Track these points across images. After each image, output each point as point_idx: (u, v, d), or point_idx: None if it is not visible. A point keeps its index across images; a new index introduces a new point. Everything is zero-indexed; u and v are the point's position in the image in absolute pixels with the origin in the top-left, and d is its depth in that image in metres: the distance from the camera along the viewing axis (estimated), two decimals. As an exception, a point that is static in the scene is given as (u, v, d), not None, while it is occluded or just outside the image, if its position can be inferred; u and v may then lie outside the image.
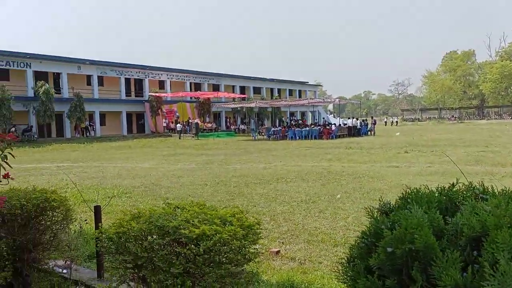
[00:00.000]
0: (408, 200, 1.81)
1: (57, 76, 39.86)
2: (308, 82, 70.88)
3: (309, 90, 70.29)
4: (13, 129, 30.55)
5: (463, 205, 1.69)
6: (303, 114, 64.46)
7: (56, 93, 36.54)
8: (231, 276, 2.47)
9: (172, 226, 2.39)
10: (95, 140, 34.14)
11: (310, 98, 59.36)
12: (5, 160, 2.81)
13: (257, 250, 2.64)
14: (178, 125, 38.40)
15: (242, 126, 48.28)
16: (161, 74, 47.13)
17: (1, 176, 2.83)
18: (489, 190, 1.82)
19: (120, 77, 43.40)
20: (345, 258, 1.82)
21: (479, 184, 1.89)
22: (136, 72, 44.90)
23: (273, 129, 37.54)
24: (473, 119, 78.52)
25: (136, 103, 44.48)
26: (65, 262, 3.93)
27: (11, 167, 2.81)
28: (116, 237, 2.55)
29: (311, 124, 42.70)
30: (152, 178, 11.97)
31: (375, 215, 1.81)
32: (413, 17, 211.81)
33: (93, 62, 40.91)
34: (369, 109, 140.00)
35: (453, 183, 1.90)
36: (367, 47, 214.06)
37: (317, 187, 9.67)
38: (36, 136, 34.11)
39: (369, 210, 1.85)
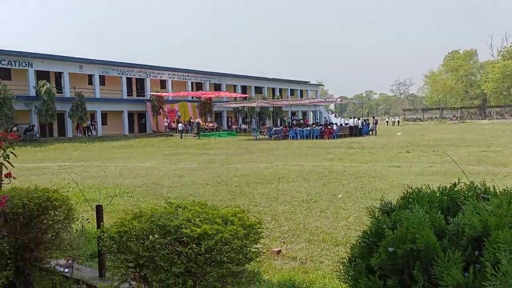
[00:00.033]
0: (410, 200, 1.81)
1: (58, 76, 39.92)
2: (309, 82, 70.83)
3: (310, 90, 70.24)
4: (15, 128, 30.61)
5: (464, 205, 1.69)
6: (304, 113, 64.44)
7: (57, 92, 36.57)
8: (233, 276, 2.47)
9: (174, 226, 2.39)
10: (96, 140, 34.18)
11: (312, 98, 59.38)
12: (7, 160, 2.82)
13: (258, 249, 2.64)
14: (180, 124, 38.43)
15: (243, 126, 48.28)
16: (163, 74, 47.15)
17: (3, 175, 2.84)
18: (490, 190, 1.81)
19: (121, 77, 43.43)
20: (347, 258, 1.82)
21: (480, 184, 1.89)
22: (138, 72, 44.93)
23: (274, 128, 37.53)
24: (474, 119, 78.38)
25: (138, 102, 44.53)
26: (67, 261, 3.93)
27: (13, 166, 2.82)
28: (117, 236, 2.55)
29: (313, 123, 42.67)
30: (154, 178, 11.98)
31: (376, 215, 1.81)
32: (415, 17, 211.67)
33: (94, 62, 40.95)
34: (370, 108, 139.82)
35: (454, 183, 1.90)
36: (368, 47, 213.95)
37: (318, 187, 9.66)
38: (38, 136, 34.15)
39: (370, 209, 1.85)
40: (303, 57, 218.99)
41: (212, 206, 2.82)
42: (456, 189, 1.86)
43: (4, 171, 2.82)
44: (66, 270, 3.92)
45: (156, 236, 2.44)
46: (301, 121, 48.41)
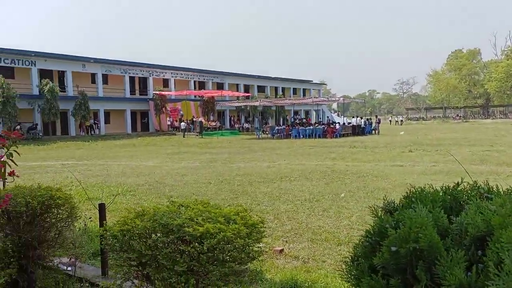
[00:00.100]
0: (413, 199, 1.80)
1: (61, 74, 40.02)
2: (312, 81, 70.78)
3: (313, 89, 70.16)
4: (18, 127, 30.72)
5: (467, 204, 1.69)
6: (307, 112, 64.39)
7: (60, 91, 36.69)
8: (235, 274, 2.47)
9: (176, 224, 2.39)
10: (99, 138, 34.26)
11: (314, 97, 59.26)
12: (11, 158, 2.83)
13: (261, 248, 2.64)
14: (182, 123, 38.48)
15: (246, 125, 48.28)
16: (166, 73, 47.20)
17: (7, 174, 2.85)
18: (494, 189, 1.81)
19: (124, 75, 43.50)
20: (349, 257, 1.81)
21: (484, 183, 1.88)
22: (141, 71, 45.00)
23: (277, 127, 37.54)
24: (478, 118, 78.15)
25: (141, 101, 44.59)
26: (70, 260, 3.94)
27: (17, 165, 2.83)
28: (120, 235, 2.56)
29: (315, 123, 42.63)
30: (156, 176, 12.00)
31: (379, 214, 1.80)
32: (418, 16, 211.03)
33: (97, 60, 41.02)
34: (373, 108, 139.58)
35: (457, 182, 1.89)
36: (371, 46, 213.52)
37: (321, 186, 9.66)
38: (41, 134, 34.27)
39: (373, 209, 1.85)
40: (305, 56, 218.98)
41: (214, 205, 2.82)
42: (459, 188, 1.86)
43: (8, 170, 2.83)
44: (69, 268, 3.93)
45: (158, 234, 2.44)
46: (304, 120, 48.35)
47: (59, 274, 3.81)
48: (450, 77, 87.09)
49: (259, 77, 58.26)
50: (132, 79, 45.57)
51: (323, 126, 35.75)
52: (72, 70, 39.07)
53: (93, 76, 41.70)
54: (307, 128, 35.04)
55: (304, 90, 66.98)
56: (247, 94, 51.65)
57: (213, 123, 42.91)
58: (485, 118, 76.39)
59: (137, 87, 47.24)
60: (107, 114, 42.09)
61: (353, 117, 46.84)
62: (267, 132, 38.15)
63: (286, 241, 5.55)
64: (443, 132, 34.55)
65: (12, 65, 35.39)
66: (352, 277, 1.73)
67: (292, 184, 10.11)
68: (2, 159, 2.84)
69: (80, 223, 4.96)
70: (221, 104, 46.48)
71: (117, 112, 42.86)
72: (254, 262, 2.65)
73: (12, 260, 3.47)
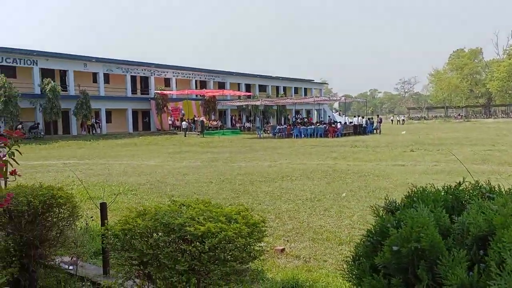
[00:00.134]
0: (414, 198, 1.80)
1: (63, 74, 40.07)
2: (313, 80, 70.76)
3: (314, 88, 70.13)
4: (20, 126, 30.77)
5: (469, 204, 1.68)
6: (308, 112, 64.36)
7: (62, 90, 36.74)
8: (236, 274, 2.48)
9: (178, 224, 2.39)
10: (101, 138, 34.31)
11: (316, 96, 59.24)
12: (12, 157, 2.83)
13: (262, 248, 2.64)
14: (184, 123, 38.49)
15: (247, 124, 48.26)
16: (167, 72, 47.22)
17: (8, 173, 2.85)
18: (495, 189, 1.81)
19: (126, 75, 43.54)
20: (350, 257, 1.81)
21: (485, 183, 1.88)
22: (142, 70, 45.03)
23: (278, 127, 37.52)
24: (479, 117, 78.00)
25: (142, 100, 44.62)
26: (71, 259, 3.95)
27: (18, 164, 2.83)
28: (122, 234, 2.56)
29: (317, 122, 42.60)
30: (158, 176, 12.00)
31: (380, 214, 1.80)
32: (420, 15, 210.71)
33: (99, 60, 41.06)
34: (375, 107, 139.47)
35: (459, 182, 1.89)
36: (373, 45, 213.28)
37: (322, 186, 9.65)
38: (42, 133, 34.32)
39: (374, 208, 1.85)
40: (305, 56, 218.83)
41: (216, 204, 2.82)
42: (461, 188, 1.86)
43: (9, 169, 2.83)
44: (71, 267, 3.94)
45: (160, 234, 2.44)
46: (305, 120, 48.35)
47: (60, 273, 3.82)
48: (452, 77, 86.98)
49: (260, 76, 58.24)
50: (133, 78, 45.61)
51: (324, 125, 35.74)
52: (74, 69, 39.12)
53: (94, 75, 41.73)
54: (308, 127, 35.02)
55: (305, 89, 66.95)
56: (249, 94, 51.61)
57: (215, 123, 42.92)
58: (487, 118, 76.25)
59: (138, 86, 47.26)
60: (108, 113, 42.14)
61: (354, 116, 46.83)
62: (268, 132, 38.15)
63: (287, 241, 5.55)
64: (445, 132, 34.51)
65: (14, 64, 35.45)
66: (354, 276, 1.73)
67: (294, 183, 10.11)
68: (3, 158, 2.84)
69: (82, 222, 4.97)
70: (223, 104, 46.49)
71: (118, 112, 42.90)
72: (255, 261, 2.65)
73: (13, 259, 3.47)
